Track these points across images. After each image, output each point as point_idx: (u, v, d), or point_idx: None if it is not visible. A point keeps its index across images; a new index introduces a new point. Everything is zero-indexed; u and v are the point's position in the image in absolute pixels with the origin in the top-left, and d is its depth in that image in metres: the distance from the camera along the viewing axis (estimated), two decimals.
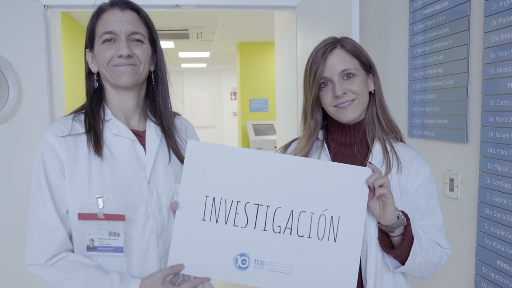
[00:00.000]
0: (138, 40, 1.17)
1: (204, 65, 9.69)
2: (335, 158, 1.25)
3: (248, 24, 5.71)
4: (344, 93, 1.17)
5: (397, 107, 1.97)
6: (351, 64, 1.19)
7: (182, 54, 8.19)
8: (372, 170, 1.10)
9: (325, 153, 1.26)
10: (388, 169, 1.19)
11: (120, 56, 1.13)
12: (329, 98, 1.19)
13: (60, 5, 2.72)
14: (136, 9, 1.19)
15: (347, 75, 1.18)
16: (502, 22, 1.34)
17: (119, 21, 1.15)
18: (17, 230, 1.55)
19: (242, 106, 6.93)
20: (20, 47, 2.43)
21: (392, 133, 1.27)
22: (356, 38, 2.02)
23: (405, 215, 1.10)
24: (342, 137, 1.26)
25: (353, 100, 1.18)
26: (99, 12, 1.18)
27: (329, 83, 1.19)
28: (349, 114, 1.19)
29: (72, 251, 1.11)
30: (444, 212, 1.61)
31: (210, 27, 6.00)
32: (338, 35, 1.25)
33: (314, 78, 1.20)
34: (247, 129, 6.69)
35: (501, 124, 1.34)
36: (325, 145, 1.27)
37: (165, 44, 7.06)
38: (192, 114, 10.50)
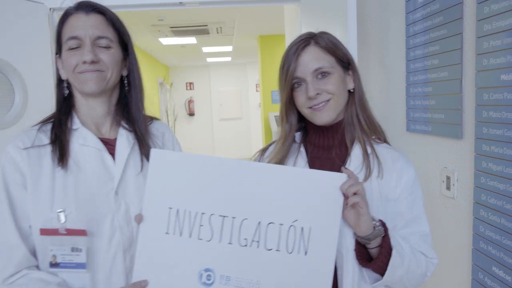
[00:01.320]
0: (105, 45, 1.11)
1: (229, 58, 9.68)
2: (312, 161, 1.18)
3: (266, 17, 5.64)
4: (317, 93, 1.09)
5: (396, 100, 1.88)
6: (326, 61, 1.10)
7: (205, 49, 8.20)
8: (348, 176, 1.03)
9: (302, 156, 1.19)
10: (368, 173, 1.11)
11: (85, 62, 1.07)
12: (302, 99, 1.12)
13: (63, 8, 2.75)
14: (103, 12, 1.13)
15: (322, 74, 1.10)
16: (494, 9, 1.23)
17: (83, 26, 1.09)
18: None
19: (264, 98, 6.90)
20: (25, 51, 2.43)
21: (374, 134, 1.19)
22: (353, 29, 1.94)
23: (383, 224, 1.01)
24: (320, 140, 1.19)
25: (328, 100, 1.10)
26: (65, 16, 1.13)
27: (302, 83, 1.11)
28: (324, 116, 1.11)
29: (38, 267, 1.07)
30: (441, 211, 1.53)
31: (228, 22, 5.96)
32: (316, 30, 1.18)
33: (286, 78, 1.12)
34: (270, 120, 6.65)
35: (495, 119, 1.24)
36: (303, 148, 1.21)
37: (187, 40, 7.09)
38: (219, 107, 10.54)
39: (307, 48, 1.11)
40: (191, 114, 10.48)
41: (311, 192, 1.01)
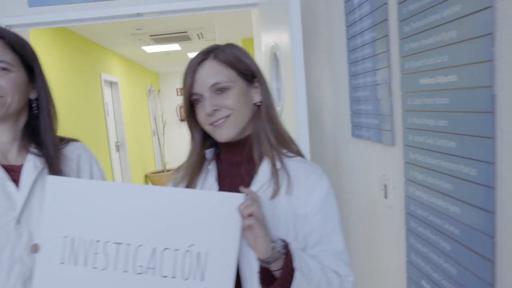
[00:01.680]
0: (4, 69, 1.07)
1: None
2: (222, 180, 1.14)
3: (245, 21, 5.58)
4: (215, 109, 1.06)
5: (342, 104, 1.81)
6: (224, 76, 1.07)
7: (191, 55, 8.16)
8: (248, 195, 0.99)
9: (211, 175, 1.15)
10: (276, 190, 1.07)
11: None
12: (202, 116, 1.08)
13: (25, 24, 2.72)
14: (0, 35, 1.09)
15: (220, 89, 1.06)
16: (411, 10, 1.17)
17: None
18: None
19: None
20: None
21: (284, 147, 1.14)
22: (297, 30, 1.87)
23: (286, 245, 0.96)
24: (228, 156, 1.15)
25: (227, 116, 1.06)
26: None
27: (202, 99, 1.08)
28: (224, 132, 1.07)
29: None
30: (381, 221, 1.47)
31: (208, 28, 5.92)
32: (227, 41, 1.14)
33: (184, 94, 1.10)
34: None
35: (417, 126, 1.17)
36: (212, 166, 1.17)
37: (170, 47, 7.05)
38: None
39: (205, 62, 1.08)
40: (183, 119, 10.41)
41: (208, 214, 0.97)
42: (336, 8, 1.83)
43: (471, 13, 0.89)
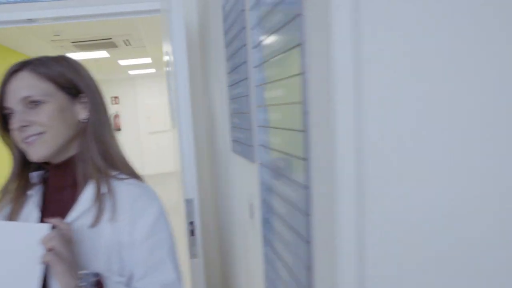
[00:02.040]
0: None
1: (153, 70, 9.37)
2: (47, 205, 1.03)
3: None
4: (24, 125, 0.95)
5: (225, 117, 1.72)
6: (38, 89, 0.96)
7: (122, 62, 7.88)
8: (54, 226, 0.87)
9: (33, 201, 1.03)
10: (98, 216, 0.96)
11: None
12: (14, 133, 0.97)
13: None
14: None
15: (33, 103, 0.96)
16: (256, 16, 1.09)
17: None
18: None
19: None
20: None
21: (114, 169, 1.03)
22: (179, 39, 1.76)
23: (99, 282, 0.86)
24: (54, 179, 1.04)
25: (40, 134, 0.96)
26: None
27: (13, 114, 0.98)
28: (36, 151, 0.96)
29: None
30: (249, 242, 1.38)
31: (135, 34, 5.71)
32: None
33: None
34: None
35: (263, 142, 1.09)
36: (36, 190, 1.05)
37: (97, 54, 6.76)
38: (147, 120, 10.18)
39: (18, 74, 0.99)
40: (117, 129, 10.05)
41: (7, 248, 0.88)
42: (217, 15, 1.73)
43: (287, 22, 0.81)
